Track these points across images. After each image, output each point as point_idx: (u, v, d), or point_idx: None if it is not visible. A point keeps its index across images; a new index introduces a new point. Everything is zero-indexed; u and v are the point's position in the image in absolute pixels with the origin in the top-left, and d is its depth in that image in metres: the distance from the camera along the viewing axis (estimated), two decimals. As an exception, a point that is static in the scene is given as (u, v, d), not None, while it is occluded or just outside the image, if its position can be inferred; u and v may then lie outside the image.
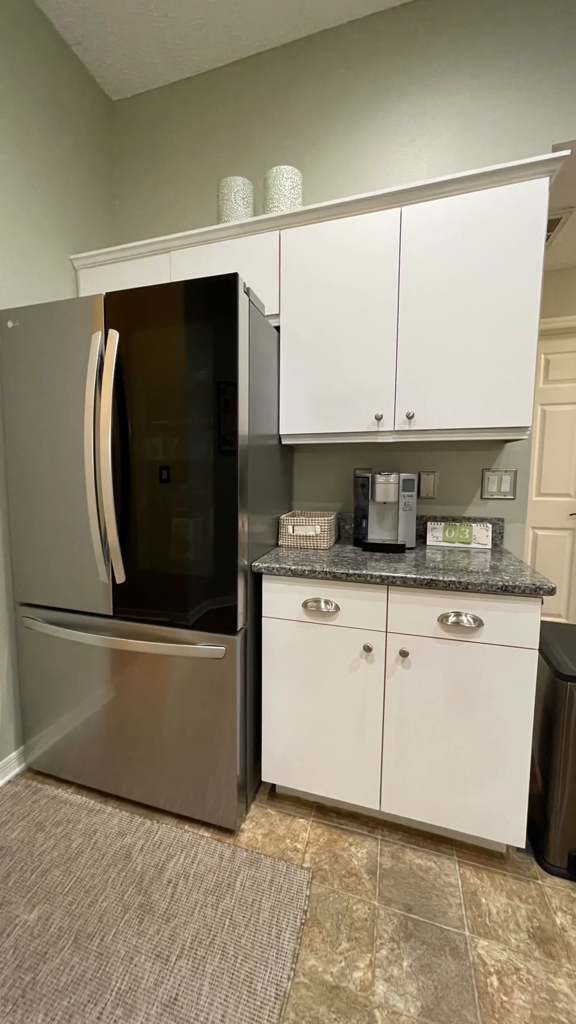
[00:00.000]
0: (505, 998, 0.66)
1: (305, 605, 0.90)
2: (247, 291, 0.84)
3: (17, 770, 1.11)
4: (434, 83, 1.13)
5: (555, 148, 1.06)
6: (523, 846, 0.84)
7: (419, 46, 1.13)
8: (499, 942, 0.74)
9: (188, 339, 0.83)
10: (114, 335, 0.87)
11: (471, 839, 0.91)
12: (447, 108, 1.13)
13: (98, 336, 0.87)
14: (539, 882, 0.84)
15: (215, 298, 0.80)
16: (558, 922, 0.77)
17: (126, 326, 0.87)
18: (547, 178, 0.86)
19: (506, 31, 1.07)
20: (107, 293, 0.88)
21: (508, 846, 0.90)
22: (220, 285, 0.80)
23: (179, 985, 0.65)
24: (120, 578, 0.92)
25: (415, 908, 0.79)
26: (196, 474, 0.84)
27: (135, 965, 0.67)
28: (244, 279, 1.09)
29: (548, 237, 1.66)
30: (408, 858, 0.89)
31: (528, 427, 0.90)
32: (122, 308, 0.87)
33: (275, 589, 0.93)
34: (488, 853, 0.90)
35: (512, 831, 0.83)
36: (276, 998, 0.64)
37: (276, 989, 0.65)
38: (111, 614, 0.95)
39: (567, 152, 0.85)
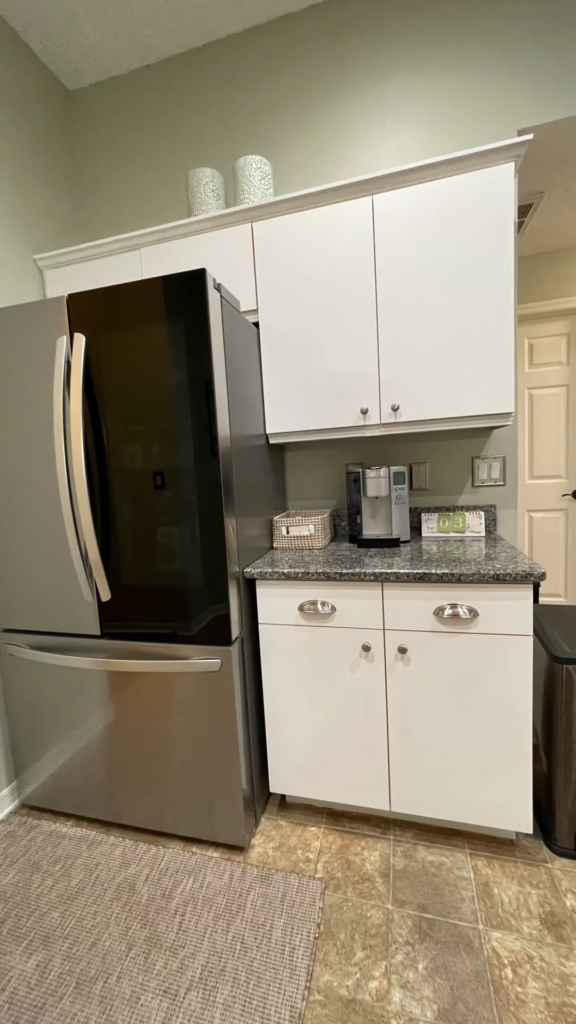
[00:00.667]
0: (520, 989, 0.66)
1: (301, 608, 0.88)
2: (218, 287, 0.81)
3: (10, 808, 1.05)
4: (402, 68, 1.12)
5: (520, 133, 1.06)
6: (531, 831, 0.84)
7: (388, 31, 1.12)
8: (512, 932, 0.74)
9: (158, 340, 0.79)
10: (80, 339, 0.82)
11: (481, 829, 0.92)
12: (415, 94, 1.11)
13: (63, 340, 0.82)
14: (548, 865, 0.84)
15: (183, 296, 0.77)
16: (568, 904, 0.77)
17: (93, 328, 0.82)
18: (512, 163, 0.86)
19: (473, 16, 1.06)
20: (70, 294, 0.83)
21: (517, 832, 0.90)
22: (187, 282, 0.76)
23: (189, 1021, 0.62)
24: (105, 595, 0.87)
25: (429, 907, 0.79)
26: (178, 480, 0.81)
27: (141, 1005, 0.64)
28: (217, 274, 1.05)
29: (521, 223, 1.67)
30: (421, 856, 0.88)
31: (511, 412, 0.90)
32: (87, 310, 0.82)
33: (269, 594, 0.90)
34: (498, 841, 0.90)
35: (519, 817, 0.83)
36: (290, 1020, 0.62)
37: (290, 1011, 0.63)
38: (99, 634, 0.91)
39: (530, 136, 0.85)
